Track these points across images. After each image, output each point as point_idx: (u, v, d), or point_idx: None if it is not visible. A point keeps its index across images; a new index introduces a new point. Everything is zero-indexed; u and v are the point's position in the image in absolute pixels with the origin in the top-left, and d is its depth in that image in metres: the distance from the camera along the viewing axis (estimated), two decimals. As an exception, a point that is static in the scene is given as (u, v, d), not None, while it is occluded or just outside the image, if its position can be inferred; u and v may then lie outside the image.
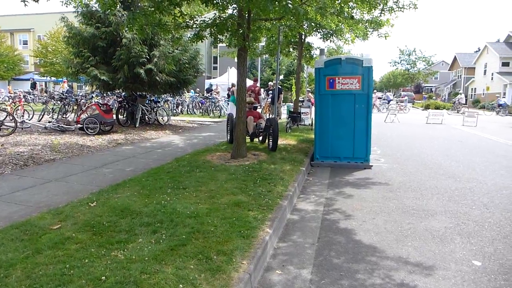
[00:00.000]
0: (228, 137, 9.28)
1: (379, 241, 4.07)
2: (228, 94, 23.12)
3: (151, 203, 4.42)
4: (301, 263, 3.53)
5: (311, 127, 13.20)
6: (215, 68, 47.69)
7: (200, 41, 7.55)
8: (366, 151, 7.89)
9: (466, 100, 37.24)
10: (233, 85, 16.51)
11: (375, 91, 37.26)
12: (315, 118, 8.37)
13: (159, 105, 14.87)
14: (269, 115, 11.28)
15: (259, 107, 12.82)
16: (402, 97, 41.13)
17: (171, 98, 18.70)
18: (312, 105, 13.71)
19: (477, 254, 3.77)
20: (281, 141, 9.33)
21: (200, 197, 4.72)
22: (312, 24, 10.61)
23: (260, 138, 9.43)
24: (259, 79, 26.05)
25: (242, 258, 3.17)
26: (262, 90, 17.52)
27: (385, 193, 6.01)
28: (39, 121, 12.93)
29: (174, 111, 18.81)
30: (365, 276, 3.29)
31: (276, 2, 5.71)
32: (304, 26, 11.18)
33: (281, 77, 40.01)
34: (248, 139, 9.03)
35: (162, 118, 14.27)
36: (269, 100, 16.33)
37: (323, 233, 4.30)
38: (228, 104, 20.06)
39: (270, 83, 22.34)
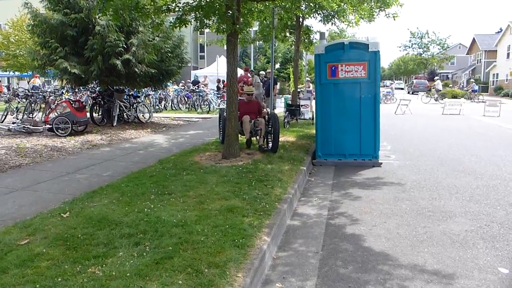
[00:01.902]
0: (221, 137, 8.91)
1: (391, 247, 4.09)
2: (218, 87, 23.09)
3: (132, 212, 4.41)
4: (304, 274, 3.54)
5: (311, 121, 13.23)
6: (202, 57, 47.60)
7: (184, 26, 7.51)
8: (375, 147, 7.93)
9: (479, 87, 37.40)
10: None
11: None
12: (316, 111, 8.39)
13: (139, 101, 14.82)
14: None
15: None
16: (386, 86, 41.33)
17: (153, 92, 18.61)
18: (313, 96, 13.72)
19: (504, 260, 3.80)
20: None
21: (188, 203, 4.72)
22: (311, 4, 10.59)
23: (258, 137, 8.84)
24: (252, 69, 26.02)
25: (236, 270, 3.17)
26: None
27: (397, 193, 6.04)
28: (2, 122, 12.83)
29: (157, 107, 18.73)
30: (377, 287, 3.31)
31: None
32: (302, 7, 11.16)
33: (277, 65, 40.04)
34: (243, 140, 8.54)
35: (143, 115, 14.22)
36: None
37: (328, 240, 4.31)
38: (218, 97, 20.06)
39: (262, 72, 22.33)
